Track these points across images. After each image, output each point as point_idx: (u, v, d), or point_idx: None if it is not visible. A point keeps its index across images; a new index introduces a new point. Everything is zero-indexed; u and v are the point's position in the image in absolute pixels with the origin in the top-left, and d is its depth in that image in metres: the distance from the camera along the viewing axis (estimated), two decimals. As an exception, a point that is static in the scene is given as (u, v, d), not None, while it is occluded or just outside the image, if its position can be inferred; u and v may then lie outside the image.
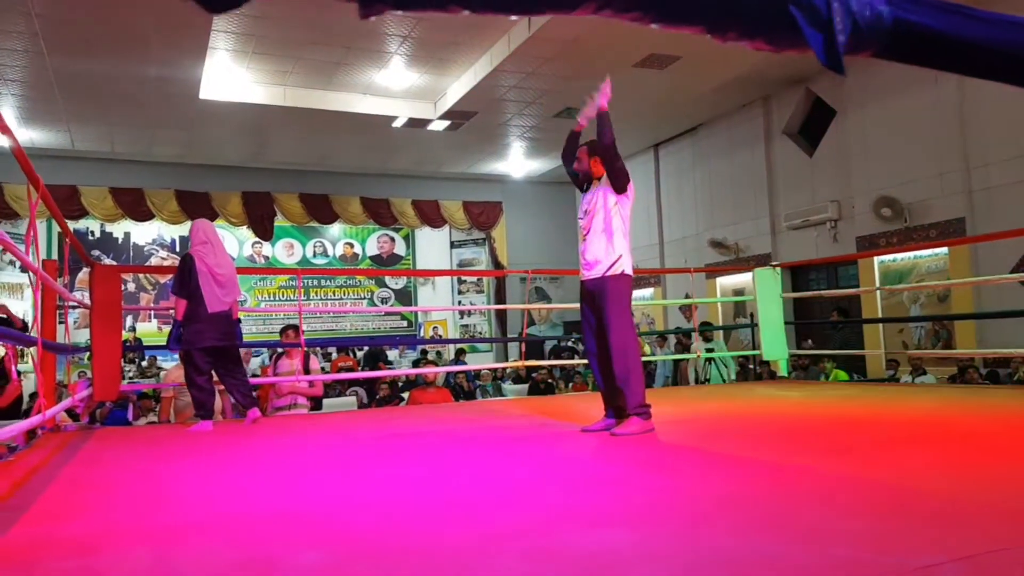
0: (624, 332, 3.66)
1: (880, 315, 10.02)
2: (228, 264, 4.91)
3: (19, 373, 4.92)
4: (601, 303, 3.72)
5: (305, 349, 6.20)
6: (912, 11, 0.79)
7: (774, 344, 6.92)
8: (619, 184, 3.76)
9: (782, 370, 7.26)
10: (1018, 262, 8.55)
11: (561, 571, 1.58)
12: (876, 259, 10.12)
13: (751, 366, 10.70)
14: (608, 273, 3.72)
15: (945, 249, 9.29)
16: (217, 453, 3.73)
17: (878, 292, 9.84)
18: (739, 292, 12.16)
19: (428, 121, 12.20)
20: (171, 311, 4.90)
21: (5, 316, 5.62)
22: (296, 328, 6.55)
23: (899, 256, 9.87)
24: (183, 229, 14.79)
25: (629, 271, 3.76)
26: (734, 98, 12.07)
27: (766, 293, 6.98)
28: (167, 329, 4.95)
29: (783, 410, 4.70)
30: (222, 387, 5.08)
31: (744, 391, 6.45)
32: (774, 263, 7.31)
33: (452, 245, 17.07)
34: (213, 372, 4.82)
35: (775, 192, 12.13)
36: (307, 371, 6.10)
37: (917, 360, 8.53)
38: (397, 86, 11.16)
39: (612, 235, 3.73)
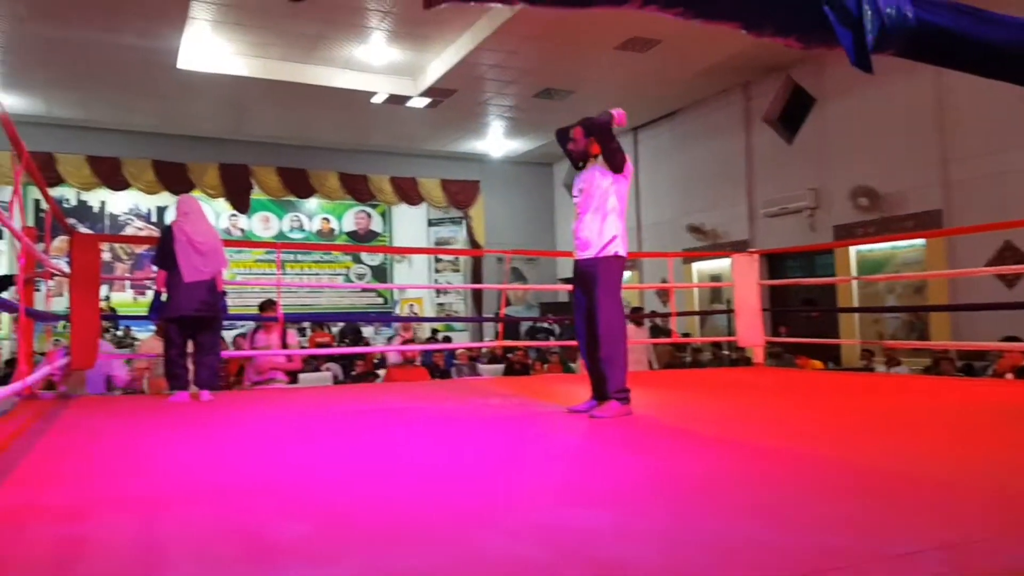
0: (612, 315, 3.66)
1: (856, 304, 10.15)
2: (210, 233, 4.86)
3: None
4: (591, 284, 3.71)
5: (283, 324, 6.18)
6: (933, 12, 0.81)
7: (750, 330, 7.00)
8: (615, 163, 3.74)
9: (757, 357, 7.36)
10: (994, 255, 8.69)
11: (540, 546, 1.60)
12: (853, 248, 10.24)
13: (726, 352, 10.83)
14: (601, 254, 3.70)
15: (922, 240, 9.40)
16: (197, 425, 3.71)
17: (854, 282, 9.97)
18: (716, 278, 12.26)
19: (408, 98, 12.08)
20: (148, 281, 4.86)
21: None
22: (274, 303, 6.52)
23: (876, 246, 9.99)
24: (160, 199, 14.58)
25: (623, 252, 3.75)
26: (714, 83, 12.09)
27: (743, 280, 7.05)
28: (142, 300, 4.91)
29: (760, 396, 4.76)
30: None
31: (720, 377, 6.53)
32: (751, 250, 7.37)
33: (429, 223, 17.00)
34: (191, 343, 4.79)
35: (753, 179, 12.21)
36: (284, 346, 6.08)
37: (892, 351, 8.66)
38: (377, 61, 11.03)
39: (607, 215, 3.71)
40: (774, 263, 11.70)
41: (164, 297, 4.68)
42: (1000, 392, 4.75)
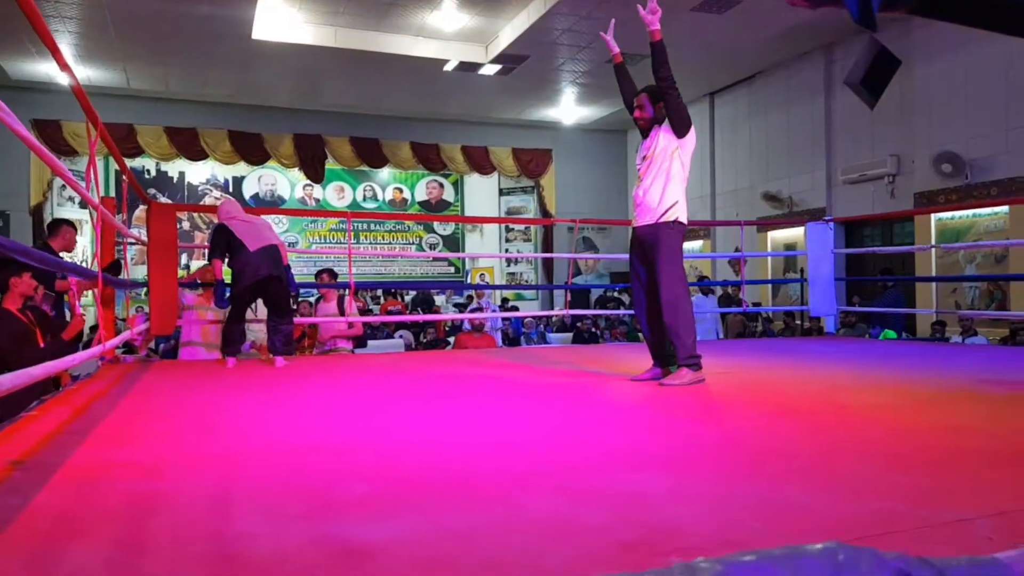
0: (675, 283, 3.61)
1: (934, 274, 9.76)
2: (260, 220, 4.98)
3: (82, 307, 5.13)
4: (652, 252, 3.67)
5: (340, 292, 6.33)
6: None
7: (823, 300, 6.82)
8: (680, 127, 3.65)
9: (829, 326, 7.17)
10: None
11: (596, 508, 1.63)
12: (933, 216, 9.82)
13: (798, 322, 10.58)
14: (662, 219, 3.64)
15: (1005, 208, 8.96)
16: (271, 388, 3.87)
17: (933, 251, 9.58)
18: (790, 246, 11.94)
19: (479, 65, 12.08)
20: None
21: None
22: (331, 272, 6.67)
23: (957, 214, 9.56)
24: (236, 169, 15.04)
25: (683, 219, 3.68)
26: (795, 46, 11.66)
27: (818, 248, 6.86)
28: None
29: (827, 365, 4.66)
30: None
31: (790, 347, 6.40)
32: (828, 218, 7.15)
33: (500, 192, 17.04)
34: (262, 312, 4.96)
35: (833, 145, 11.77)
36: (342, 313, 6.23)
37: (968, 321, 8.32)
38: (449, 28, 11.05)
39: (669, 181, 3.64)
40: (851, 231, 11.32)
41: (228, 280, 4.80)
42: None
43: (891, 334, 7.93)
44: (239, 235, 4.65)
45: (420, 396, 3.61)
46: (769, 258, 12.59)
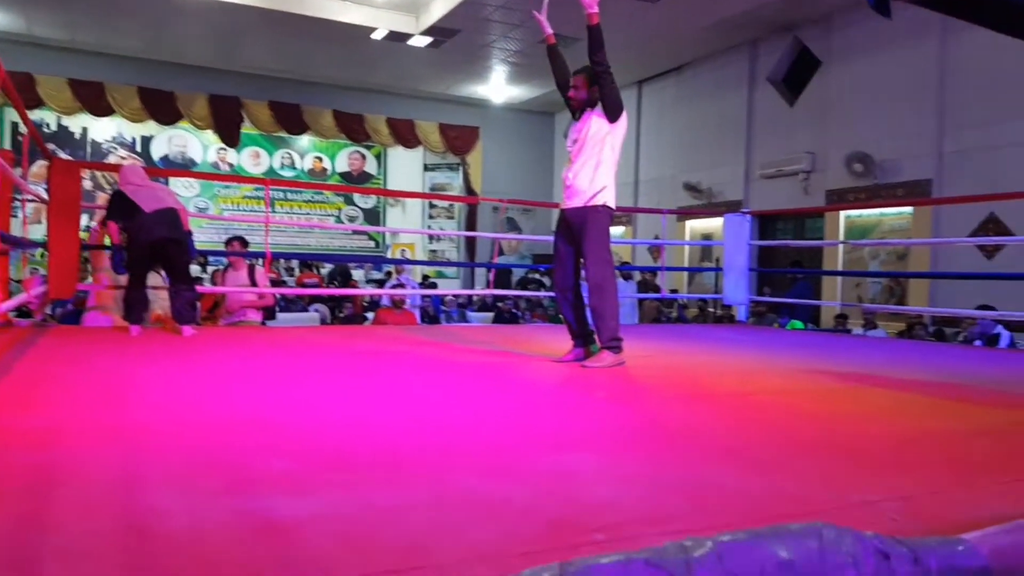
0: (601, 265, 3.64)
1: (840, 268, 10.23)
2: (164, 189, 4.81)
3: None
4: (580, 234, 3.69)
5: (250, 262, 6.12)
6: None
7: (736, 290, 7.03)
8: (612, 112, 3.65)
9: (741, 315, 7.41)
10: (977, 226, 8.74)
11: (522, 486, 1.63)
12: (843, 213, 10.27)
13: (711, 309, 10.90)
14: (591, 203, 3.66)
15: (910, 208, 9.46)
16: (177, 358, 3.71)
17: (840, 246, 10.04)
18: (707, 236, 12.27)
19: (409, 36, 11.86)
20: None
21: None
22: (242, 240, 6.43)
23: (865, 212, 10.03)
24: (145, 128, 14.35)
25: (612, 204, 3.71)
26: (722, 39, 11.91)
27: (734, 239, 7.05)
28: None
29: (741, 352, 4.81)
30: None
31: (704, 333, 6.58)
32: (745, 210, 7.37)
33: (425, 168, 16.84)
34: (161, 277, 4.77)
35: (753, 139, 12.13)
36: (253, 283, 6.01)
37: (870, 315, 8.77)
38: (379, -4, 10.80)
39: (600, 165, 3.65)
40: (765, 224, 11.72)
41: (124, 244, 4.62)
42: (967, 358, 4.81)
43: (798, 324, 8.26)
44: (134, 198, 4.48)
45: (340, 371, 3.54)
46: (687, 247, 12.90)
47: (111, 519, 1.34)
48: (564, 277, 3.84)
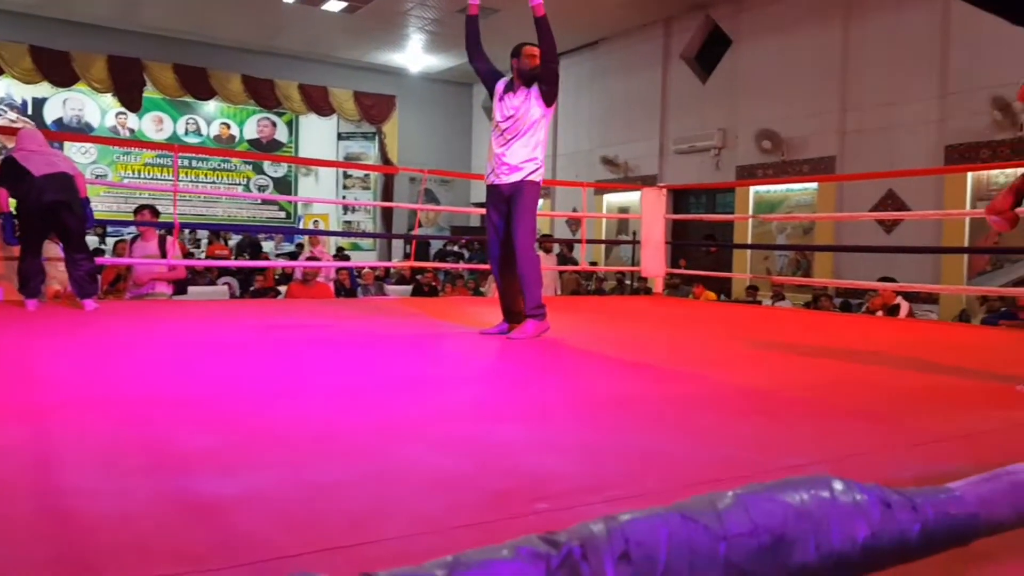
0: (528, 236, 3.76)
1: (750, 242, 10.60)
2: (55, 152, 4.52)
3: None
4: (513, 207, 3.77)
5: (160, 232, 5.85)
6: None
7: (654, 262, 7.18)
8: (550, 98, 3.78)
9: (657, 287, 7.58)
10: (877, 202, 9.21)
11: (460, 457, 1.62)
12: (752, 188, 10.62)
13: (628, 282, 11.12)
14: (527, 178, 3.76)
15: (815, 184, 9.86)
16: (82, 334, 3.52)
17: (750, 220, 10.39)
18: (624, 209, 12.47)
19: (323, 0, 11.48)
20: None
21: None
22: (153, 209, 6.12)
23: (773, 187, 10.39)
24: (38, 90, 13.46)
25: (540, 180, 3.84)
26: (637, 16, 12.03)
27: (651, 213, 7.18)
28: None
29: (662, 322, 4.92)
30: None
31: (624, 304, 6.70)
32: (660, 184, 7.51)
33: (339, 137, 16.42)
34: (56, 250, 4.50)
35: (667, 116, 12.35)
36: (164, 254, 5.74)
37: (778, 287, 9.13)
38: (291, -43, 10.39)
39: (536, 144, 3.77)
40: (679, 198, 11.99)
41: (14, 211, 4.34)
42: (871, 327, 5.08)
43: (712, 296, 8.52)
44: (24, 163, 4.21)
45: (260, 346, 3.42)
46: (604, 220, 13.09)
47: (29, 501, 1.25)
48: (497, 248, 3.86)
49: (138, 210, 6.09)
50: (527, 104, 3.75)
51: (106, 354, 2.99)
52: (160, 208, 6.21)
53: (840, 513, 0.65)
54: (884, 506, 0.67)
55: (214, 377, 2.56)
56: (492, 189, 3.85)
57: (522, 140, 3.75)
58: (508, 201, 3.78)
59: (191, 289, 8.36)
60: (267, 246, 14.26)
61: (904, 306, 6.54)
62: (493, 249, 3.90)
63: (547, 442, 1.80)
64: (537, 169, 3.78)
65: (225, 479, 1.41)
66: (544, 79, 3.73)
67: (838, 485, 0.68)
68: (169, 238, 5.87)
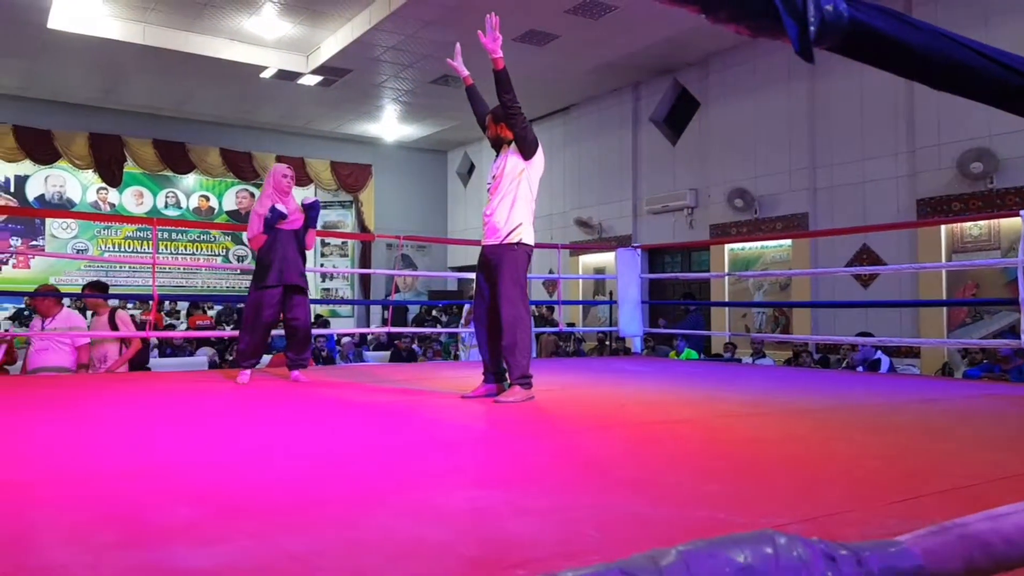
0: (515, 304, 3.69)
1: (727, 299, 10.71)
2: None
3: None
4: (496, 272, 3.74)
5: (111, 307, 5.78)
6: (864, 12, 0.89)
7: (631, 322, 7.24)
8: (526, 149, 3.75)
9: (636, 347, 7.63)
10: (852, 257, 9.38)
11: (435, 525, 1.62)
12: (727, 246, 10.78)
13: (607, 342, 11.15)
14: (506, 241, 3.73)
15: (789, 241, 10.04)
16: (45, 409, 3.48)
17: (726, 278, 10.53)
18: (599, 270, 12.60)
19: (299, 75, 11.73)
20: (3, 255, 4.41)
21: None
22: (102, 285, 6.03)
23: (748, 245, 10.57)
24: (20, 168, 13.52)
25: (528, 241, 3.78)
26: (607, 82, 12.39)
27: (626, 273, 7.28)
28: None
29: (640, 382, 4.95)
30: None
31: (603, 365, 6.73)
32: (635, 244, 7.64)
33: (317, 206, 16.53)
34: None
35: (639, 177, 12.61)
36: (114, 327, 5.51)
37: (758, 344, 9.19)
38: (268, 35, 10.65)
39: (516, 202, 3.73)
40: (654, 257, 12.15)
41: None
42: (852, 382, 5.14)
43: (693, 354, 8.56)
44: None
45: (238, 415, 3.41)
46: (581, 281, 13.21)
47: (1, 585, 1.25)
48: (484, 313, 3.87)
49: (85, 287, 5.93)
50: (505, 160, 3.80)
51: (70, 427, 2.96)
52: (140, 281, 6.20)
53: (784, 568, 0.66)
54: (829, 560, 0.69)
55: (185, 449, 2.54)
56: (481, 251, 3.90)
57: (501, 198, 3.75)
58: (493, 266, 3.77)
59: (169, 361, 8.30)
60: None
61: (884, 360, 6.62)
62: (477, 309, 3.92)
63: (525, 506, 1.80)
64: (518, 229, 3.72)
65: (199, 550, 1.41)
66: (510, 127, 3.74)
67: (782, 540, 0.70)
68: (120, 312, 5.74)
